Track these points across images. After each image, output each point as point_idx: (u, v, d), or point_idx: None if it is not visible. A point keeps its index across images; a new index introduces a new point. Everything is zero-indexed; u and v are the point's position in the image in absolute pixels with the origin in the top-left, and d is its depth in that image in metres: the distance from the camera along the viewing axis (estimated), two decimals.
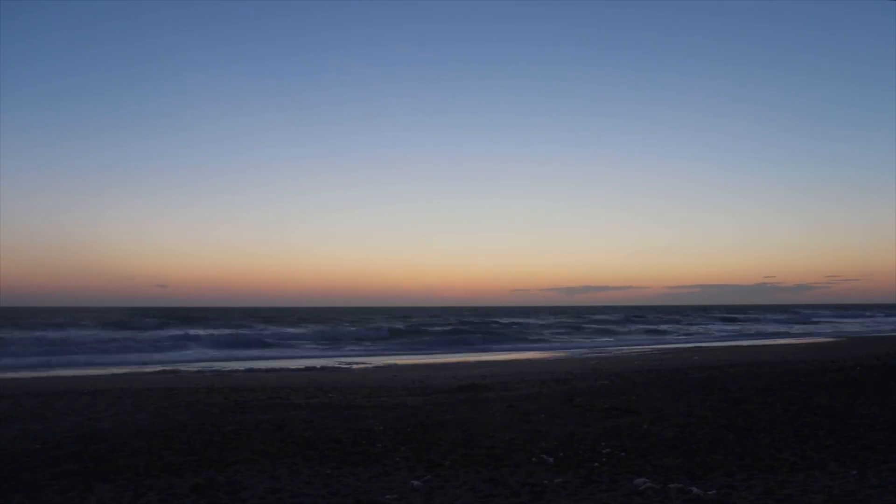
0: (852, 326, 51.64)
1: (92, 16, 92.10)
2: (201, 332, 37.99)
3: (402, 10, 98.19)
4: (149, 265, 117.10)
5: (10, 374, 17.76)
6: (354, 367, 20.54)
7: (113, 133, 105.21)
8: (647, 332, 45.60)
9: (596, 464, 6.15)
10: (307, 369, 19.08)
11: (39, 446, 7.07)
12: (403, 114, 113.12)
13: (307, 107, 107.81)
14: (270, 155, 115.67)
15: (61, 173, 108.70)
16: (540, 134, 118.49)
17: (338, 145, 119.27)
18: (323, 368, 19.77)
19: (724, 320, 63.50)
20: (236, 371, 18.58)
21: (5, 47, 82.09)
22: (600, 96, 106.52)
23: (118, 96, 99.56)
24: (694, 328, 50.75)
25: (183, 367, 19.74)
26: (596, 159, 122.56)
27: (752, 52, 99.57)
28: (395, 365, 21.26)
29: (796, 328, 49.28)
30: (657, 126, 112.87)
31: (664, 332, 45.06)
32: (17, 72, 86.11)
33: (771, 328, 49.15)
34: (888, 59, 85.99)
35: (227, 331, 40.25)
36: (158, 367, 19.88)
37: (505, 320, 58.51)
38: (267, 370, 18.85)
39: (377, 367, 20.09)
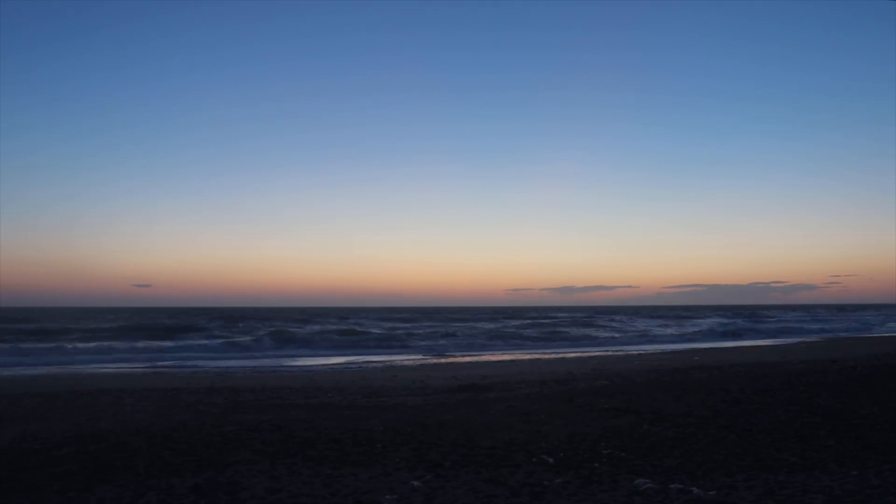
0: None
1: (93, 19, 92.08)
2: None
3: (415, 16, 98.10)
4: (133, 265, 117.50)
5: (8, 374, 17.75)
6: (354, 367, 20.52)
7: (108, 134, 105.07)
8: None
9: (596, 464, 6.14)
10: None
11: (39, 447, 7.06)
12: (396, 113, 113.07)
13: (298, 110, 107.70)
14: (259, 158, 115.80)
15: (53, 176, 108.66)
16: (533, 134, 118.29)
17: (329, 147, 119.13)
18: (324, 369, 19.75)
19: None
20: (236, 371, 18.57)
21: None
22: (594, 97, 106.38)
23: (113, 99, 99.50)
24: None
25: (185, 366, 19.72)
26: (590, 160, 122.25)
27: (757, 50, 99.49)
28: (395, 365, 21.24)
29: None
30: (653, 125, 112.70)
31: None
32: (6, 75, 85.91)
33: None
34: (888, 58, 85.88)
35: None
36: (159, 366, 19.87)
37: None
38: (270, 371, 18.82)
39: (377, 368, 20.08)
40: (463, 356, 26.16)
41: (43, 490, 5.40)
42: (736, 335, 42.85)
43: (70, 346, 28.93)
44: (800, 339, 35.86)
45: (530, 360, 22.95)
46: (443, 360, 23.38)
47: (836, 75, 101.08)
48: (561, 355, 25.52)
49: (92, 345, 30.02)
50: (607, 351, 28.44)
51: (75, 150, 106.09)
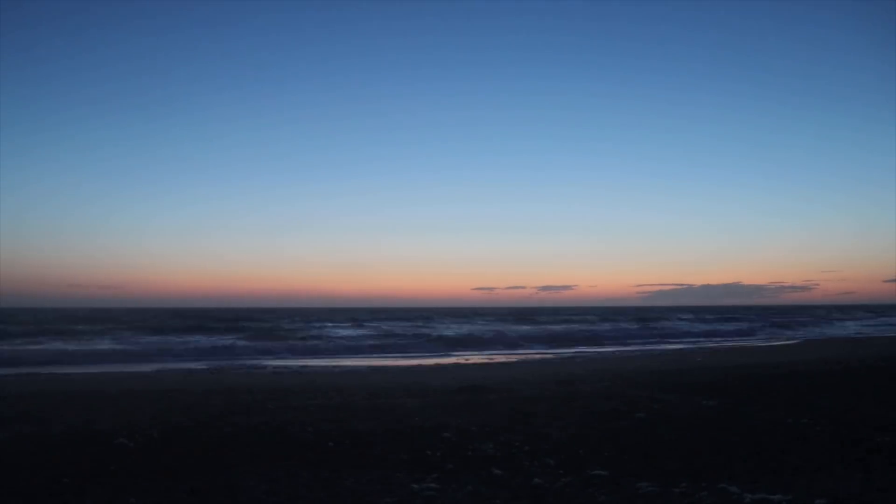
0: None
1: (91, 20, 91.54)
2: None
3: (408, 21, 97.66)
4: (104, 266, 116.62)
5: (5, 374, 17.68)
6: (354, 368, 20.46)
7: (108, 131, 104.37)
8: None
9: (598, 466, 6.08)
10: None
11: (34, 448, 7.00)
12: (387, 116, 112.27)
13: (287, 110, 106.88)
14: (245, 162, 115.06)
15: (47, 176, 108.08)
16: (519, 135, 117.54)
17: (314, 152, 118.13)
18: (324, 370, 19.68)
19: None
20: (233, 373, 18.51)
21: None
22: (587, 98, 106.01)
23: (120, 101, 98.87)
24: None
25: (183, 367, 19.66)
26: (574, 158, 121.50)
27: (748, 52, 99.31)
28: (394, 366, 21.19)
29: None
30: (642, 124, 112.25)
31: None
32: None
33: None
34: (887, 57, 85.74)
35: None
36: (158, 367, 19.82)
37: None
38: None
39: (376, 369, 20.02)
40: (461, 357, 26.11)
41: (38, 492, 5.34)
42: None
43: (67, 348, 28.88)
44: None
45: (532, 361, 22.93)
46: (441, 361, 23.34)
47: (832, 73, 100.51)
48: (563, 357, 25.45)
49: (89, 346, 29.98)
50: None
51: (65, 146, 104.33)
